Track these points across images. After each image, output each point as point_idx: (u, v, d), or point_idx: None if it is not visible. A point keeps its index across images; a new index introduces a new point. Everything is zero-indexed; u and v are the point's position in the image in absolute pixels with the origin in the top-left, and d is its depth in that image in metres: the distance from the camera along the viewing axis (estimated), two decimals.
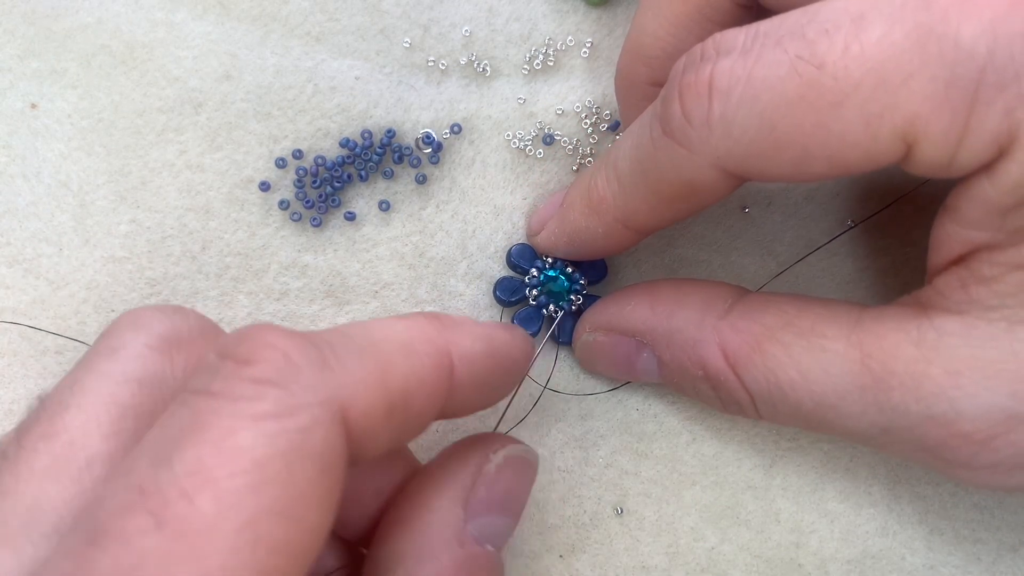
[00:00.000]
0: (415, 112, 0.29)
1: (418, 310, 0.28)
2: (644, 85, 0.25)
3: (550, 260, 0.28)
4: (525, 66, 0.29)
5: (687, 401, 0.28)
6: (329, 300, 0.29)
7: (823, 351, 0.22)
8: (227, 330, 0.28)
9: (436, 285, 0.29)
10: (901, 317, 0.21)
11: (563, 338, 0.28)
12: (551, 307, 0.28)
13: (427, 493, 0.22)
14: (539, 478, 0.28)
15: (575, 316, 0.28)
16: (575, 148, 0.29)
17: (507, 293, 0.28)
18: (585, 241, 0.26)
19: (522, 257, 0.28)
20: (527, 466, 0.23)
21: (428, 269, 0.29)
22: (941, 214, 0.21)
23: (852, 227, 0.28)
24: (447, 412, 0.20)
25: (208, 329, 0.21)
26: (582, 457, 0.28)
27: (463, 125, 0.29)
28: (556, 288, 0.28)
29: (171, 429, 0.16)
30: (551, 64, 0.29)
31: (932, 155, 0.19)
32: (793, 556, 0.27)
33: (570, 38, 0.29)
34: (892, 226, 0.28)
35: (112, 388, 0.19)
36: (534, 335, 0.28)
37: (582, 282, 0.28)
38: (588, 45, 0.29)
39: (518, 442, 0.23)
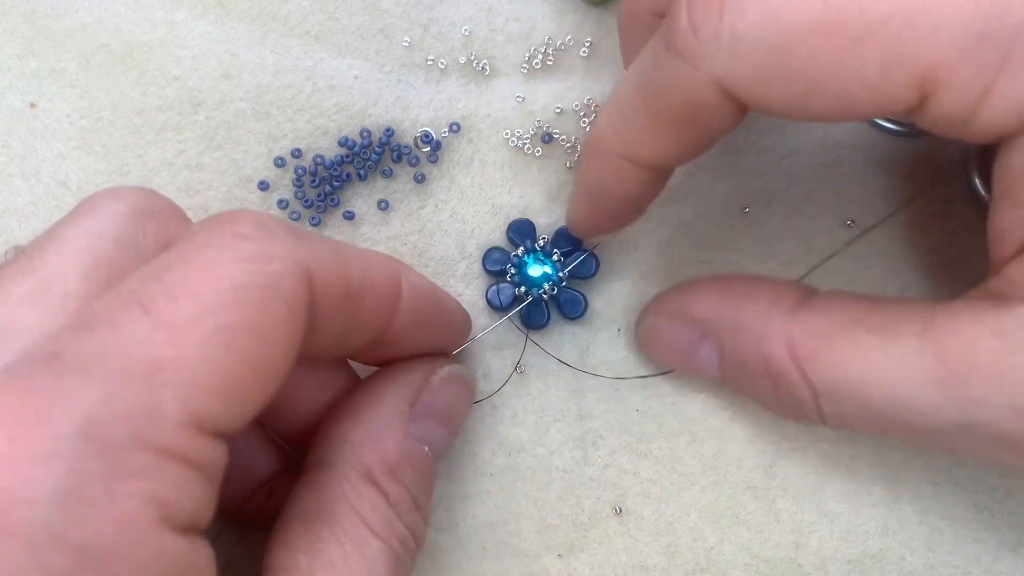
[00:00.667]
0: (414, 111, 0.29)
1: None
2: (648, 16, 0.24)
3: (540, 243, 0.28)
4: (524, 65, 0.29)
5: (687, 402, 0.28)
6: None
7: (897, 347, 0.21)
8: None
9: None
10: (977, 309, 0.20)
11: (531, 322, 0.28)
12: (522, 289, 0.28)
13: (376, 390, 0.24)
14: (538, 477, 0.28)
15: (544, 304, 0.28)
16: (574, 147, 0.29)
17: (492, 263, 0.28)
18: (602, 195, 0.25)
19: (517, 232, 0.28)
20: (467, 386, 0.26)
21: (427, 269, 0.29)
22: (997, 202, 0.20)
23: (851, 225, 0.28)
24: (389, 339, 0.22)
25: (178, 211, 0.22)
26: (581, 457, 0.28)
27: (462, 124, 0.29)
28: (529, 270, 0.28)
29: (157, 262, 0.18)
30: (550, 63, 0.29)
31: (949, 109, 0.18)
32: (793, 556, 0.27)
33: (569, 37, 0.29)
34: (902, 229, 0.28)
35: (89, 240, 0.20)
36: (502, 308, 0.28)
37: (561, 274, 0.28)
38: (587, 44, 0.29)
39: (460, 364, 0.26)
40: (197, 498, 0.17)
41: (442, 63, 0.29)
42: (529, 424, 0.28)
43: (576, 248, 0.28)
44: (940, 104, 0.18)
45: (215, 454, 0.17)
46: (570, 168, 0.29)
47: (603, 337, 0.29)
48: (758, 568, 0.27)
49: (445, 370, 0.25)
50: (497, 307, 0.28)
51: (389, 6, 0.29)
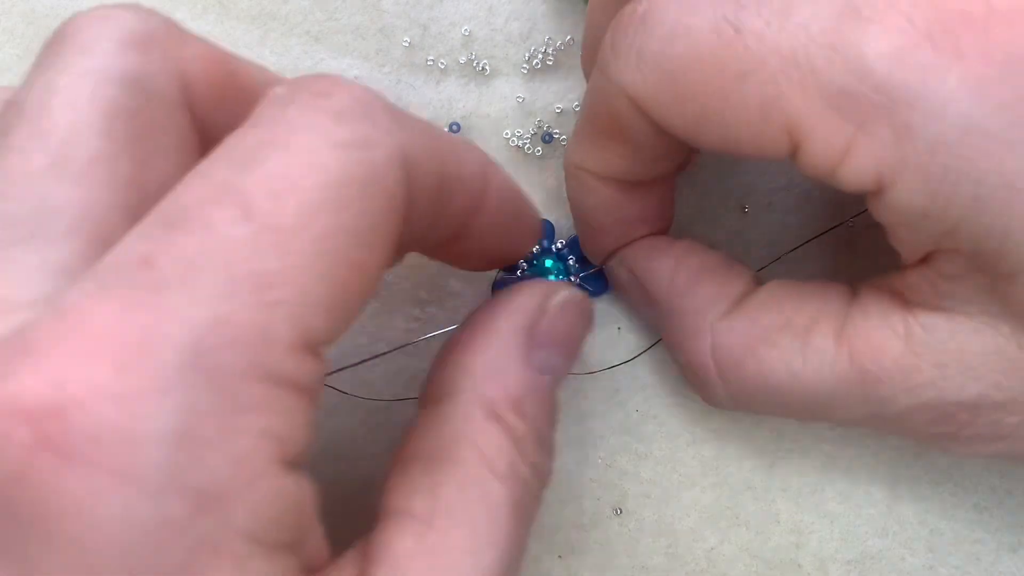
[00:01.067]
0: (414, 111, 0.29)
1: (418, 310, 0.28)
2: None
3: (558, 245, 0.28)
4: (524, 65, 0.29)
5: (687, 402, 0.28)
6: None
7: (814, 352, 0.22)
8: None
9: (436, 285, 0.29)
10: (886, 313, 0.21)
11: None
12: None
13: (492, 318, 0.22)
14: None
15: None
16: None
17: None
18: (582, 211, 0.25)
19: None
20: (586, 311, 0.24)
21: (428, 268, 0.29)
22: (888, 234, 0.21)
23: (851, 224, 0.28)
24: (467, 236, 0.21)
25: (172, 27, 0.20)
26: (581, 458, 0.28)
27: (462, 124, 0.29)
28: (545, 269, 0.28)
29: (247, 142, 0.16)
30: (550, 63, 0.29)
31: (815, 162, 0.19)
32: (793, 557, 0.27)
33: (569, 37, 0.29)
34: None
35: (93, 87, 0.18)
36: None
37: (572, 277, 0.28)
38: None
39: (571, 287, 0.24)
40: (305, 427, 0.16)
41: (442, 63, 0.29)
42: None
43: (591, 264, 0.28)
44: (807, 155, 0.19)
45: (318, 374, 0.16)
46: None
47: (603, 336, 0.29)
48: (758, 569, 0.27)
49: (563, 294, 0.23)
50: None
51: (389, 6, 0.29)
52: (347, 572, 0.18)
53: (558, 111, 0.29)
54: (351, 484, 0.28)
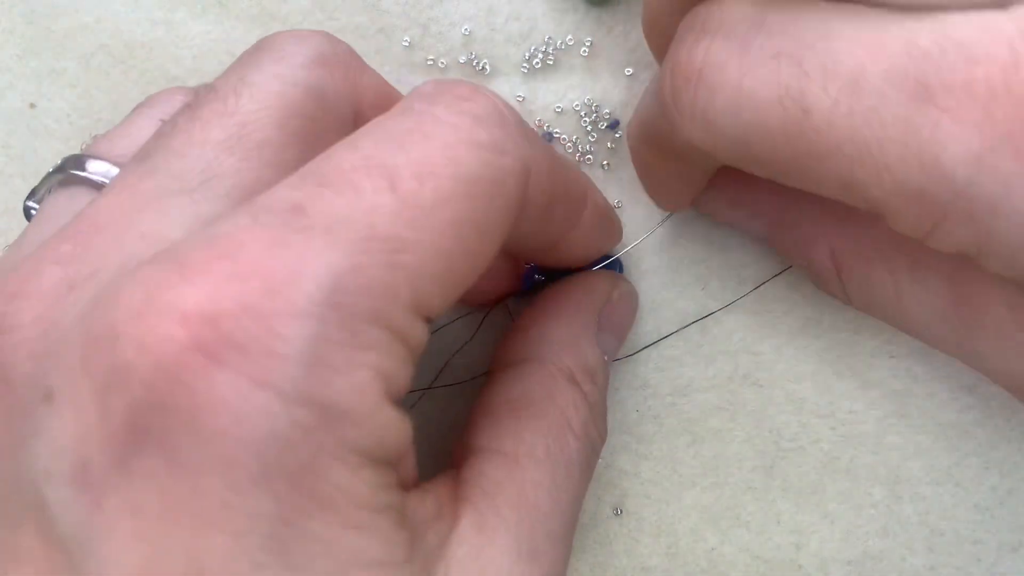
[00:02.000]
0: None
1: None
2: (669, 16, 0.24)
3: None
4: (524, 65, 0.29)
5: (687, 402, 0.28)
6: None
7: (922, 282, 0.22)
8: None
9: None
10: (1000, 283, 0.21)
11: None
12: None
13: (572, 298, 0.25)
14: None
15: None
16: (574, 146, 0.29)
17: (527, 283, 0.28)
18: (644, 176, 0.26)
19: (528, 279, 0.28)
20: (635, 303, 0.28)
21: None
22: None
23: None
24: (561, 246, 0.24)
25: (356, 59, 0.23)
26: None
27: None
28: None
29: (397, 127, 0.18)
30: (550, 63, 0.29)
31: (902, 231, 0.19)
32: (793, 557, 0.27)
33: (569, 37, 0.29)
34: None
35: (280, 87, 0.20)
36: (528, 288, 0.28)
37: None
38: (587, 44, 0.29)
39: (629, 283, 0.28)
40: (407, 377, 0.17)
41: (442, 63, 0.29)
42: None
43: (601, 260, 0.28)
44: (894, 226, 0.19)
45: (422, 338, 0.18)
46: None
47: None
48: (758, 569, 0.27)
49: (624, 287, 0.27)
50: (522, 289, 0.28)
51: (389, 6, 0.29)
52: (442, 491, 0.20)
53: (558, 111, 0.29)
54: None
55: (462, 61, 0.29)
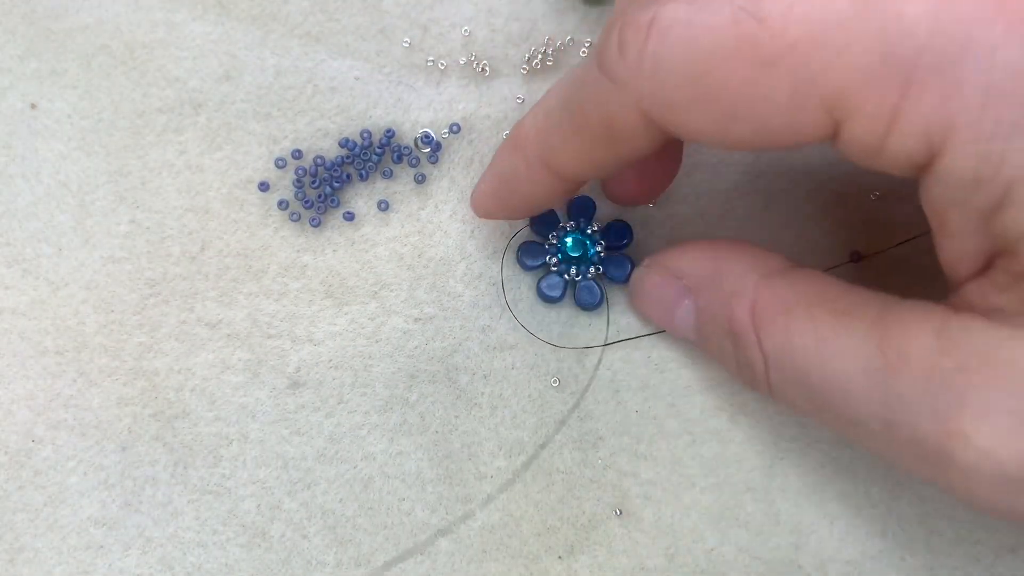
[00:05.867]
0: (414, 112, 0.29)
1: (417, 311, 0.28)
2: None
3: (571, 224, 0.28)
4: (524, 66, 0.29)
5: (687, 403, 0.28)
6: (328, 301, 0.29)
7: (846, 329, 0.21)
8: (226, 333, 0.28)
9: (435, 286, 0.29)
10: (930, 310, 0.20)
11: (583, 303, 0.28)
12: (572, 271, 0.28)
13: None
14: (537, 479, 0.28)
15: (597, 280, 0.28)
16: None
17: (529, 256, 0.28)
18: (510, 185, 0.25)
19: (543, 222, 0.28)
20: None
21: (427, 270, 0.29)
22: (935, 235, 0.21)
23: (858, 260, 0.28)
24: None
25: None
26: (581, 458, 0.28)
27: (462, 125, 0.29)
28: (573, 253, 0.28)
29: None
30: (550, 64, 0.29)
31: (860, 137, 0.19)
32: (793, 557, 0.27)
33: (569, 38, 0.29)
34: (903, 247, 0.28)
35: None
36: (559, 299, 0.28)
37: (601, 243, 0.28)
38: (587, 44, 0.29)
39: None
40: None
41: (442, 64, 0.29)
42: (529, 426, 0.28)
43: (611, 221, 0.28)
44: (851, 132, 0.19)
45: None
46: None
47: (603, 337, 0.29)
48: (758, 569, 0.27)
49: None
50: (552, 299, 0.28)
51: (389, 6, 0.29)
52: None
53: None
54: (352, 484, 0.28)
55: (462, 62, 0.29)
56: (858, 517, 0.28)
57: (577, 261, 0.28)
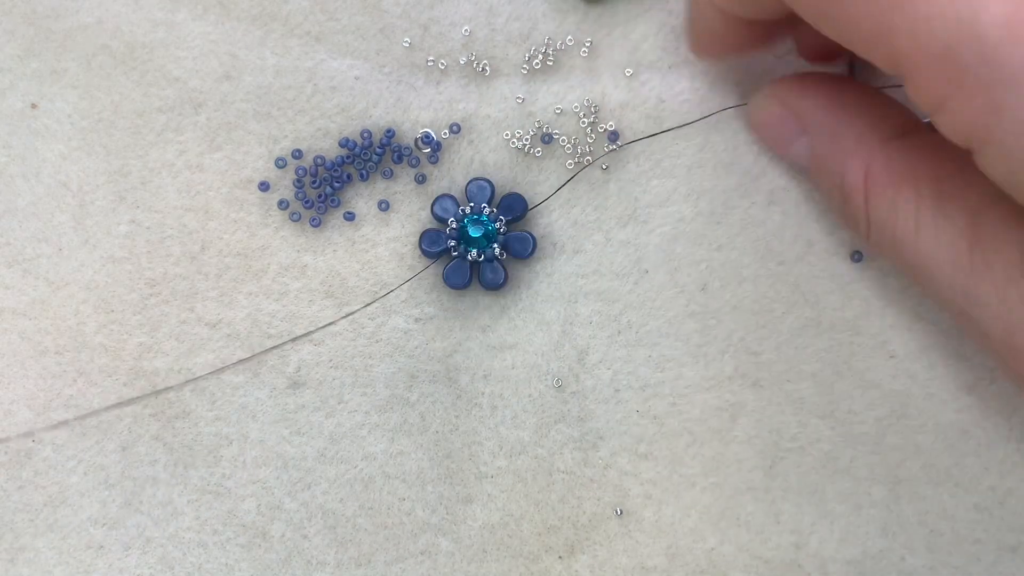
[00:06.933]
0: (414, 112, 0.29)
1: (418, 312, 0.28)
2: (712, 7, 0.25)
3: (467, 209, 0.28)
4: (524, 65, 0.29)
5: (687, 403, 0.28)
6: (329, 300, 0.29)
7: (944, 217, 0.23)
8: (226, 333, 0.28)
9: (436, 286, 0.29)
10: (1018, 224, 0.21)
11: (486, 283, 0.28)
12: (474, 252, 0.28)
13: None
14: (538, 479, 0.28)
15: (499, 260, 0.28)
16: (574, 147, 0.29)
17: (429, 244, 0.28)
18: (699, 31, 0.26)
19: (442, 208, 0.28)
20: None
21: (428, 270, 0.29)
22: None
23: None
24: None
25: None
26: (581, 458, 0.28)
27: (462, 125, 0.29)
28: (474, 234, 0.28)
29: None
30: (550, 64, 0.29)
31: (915, 98, 0.19)
32: (793, 557, 0.27)
33: (570, 38, 0.29)
34: None
35: None
36: (465, 286, 0.28)
37: (501, 220, 0.28)
38: (587, 44, 0.29)
39: None
40: None
41: (442, 64, 0.29)
42: (530, 426, 0.28)
43: (504, 195, 0.29)
44: (908, 89, 0.19)
45: None
46: (570, 167, 0.29)
47: (603, 336, 0.29)
48: (758, 569, 0.27)
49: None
50: (458, 285, 0.28)
51: (389, 6, 0.29)
52: None
53: (558, 112, 0.29)
54: (352, 484, 0.28)
55: (462, 62, 0.29)
56: (858, 517, 0.28)
57: (476, 243, 0.28)
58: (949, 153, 0.23)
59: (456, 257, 0.28)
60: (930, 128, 0.24)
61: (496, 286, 0.28)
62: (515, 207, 0.28)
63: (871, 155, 0.24)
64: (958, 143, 0.19)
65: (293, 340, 0.29)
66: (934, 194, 0.23)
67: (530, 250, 0.28)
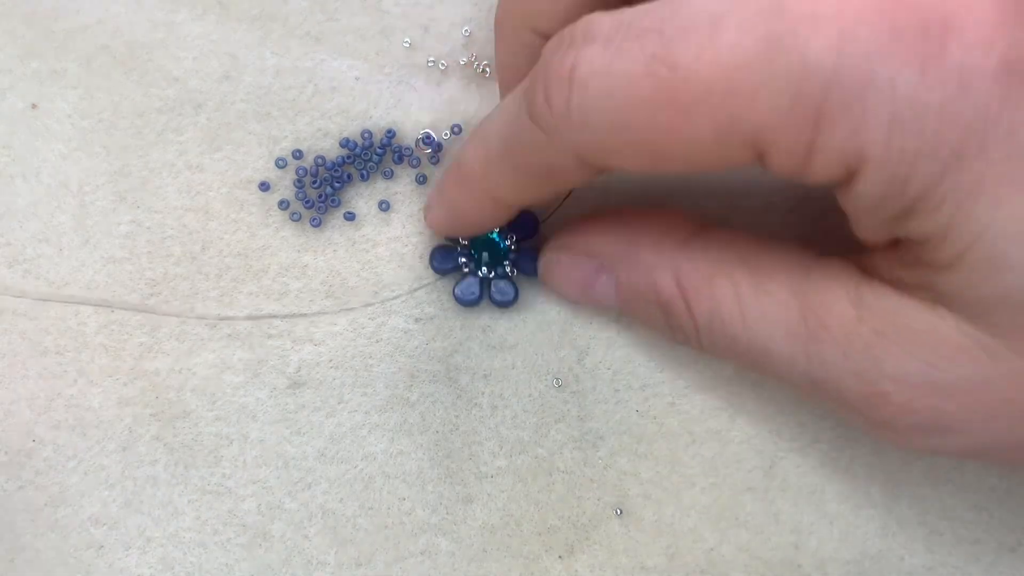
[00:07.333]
0: (415, 112, 0.29)
1: (418, 311, 0.28)
2: (526, 32, 0.25)
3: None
4: None
5: (687, 402, 0.28)
6: (329, 301, 0.29)
7: (767, 294, 0.23)
8: (226, 333, 0.28)
9: (435, 286, 0.29)
10: (845, 276, 0.22)
11: (497, 301, 0.28)
12: (484, 270, 0.28)
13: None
14: (537, 479, 0.28)
15: (509, 279, 0.28)
16: None
17: (440, 262, 0.28)
18: (460, 213, 0.26)
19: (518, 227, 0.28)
20: None
21: (428, 270, 0.29)
22: (853, 224, 0.22)
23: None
24: None
25: None
26: (581, 458, 0.28)
27: (463, 125, 0.29)
28: (484, 252, 0.28)
29: None
30: None
31: (783, 166, 0.20)
32: (792, 557, 0.28)
33: None
34: None
35: None
36: (476, 302, 0.28)
37: (511, 238, 0.28)
38: None
39: None
40: None
41: (443, 64, 0.29)
42: (530, 425, 0.28)
43: (531, 236, 0.29)
44: (775, 162, 0.20)
45: None
46: None
47: (603, 336, 0.29)
48: (758, 569, 0.27)
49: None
50: (469, 302, 0.28)
51: (389, 6, 0.29)
52: None
53: None
54: (352, 484, 0.28)
55: (463, 62, 0.29)
56: (858, 517, 0.28)
57: (489, 260, 0.28)
58: (748, 237, 0.24)
59: (467, 274, 0.28)
60: (720, 223, 0.25)
61: (506, 304, 0.28)
62: (527, 226, 0.28)
63: (675, 260, 0.24)
64: (836, 179, 0.20)
65: (293, 341, 0.29)
66: (749, 276, 0.23)
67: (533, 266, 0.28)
